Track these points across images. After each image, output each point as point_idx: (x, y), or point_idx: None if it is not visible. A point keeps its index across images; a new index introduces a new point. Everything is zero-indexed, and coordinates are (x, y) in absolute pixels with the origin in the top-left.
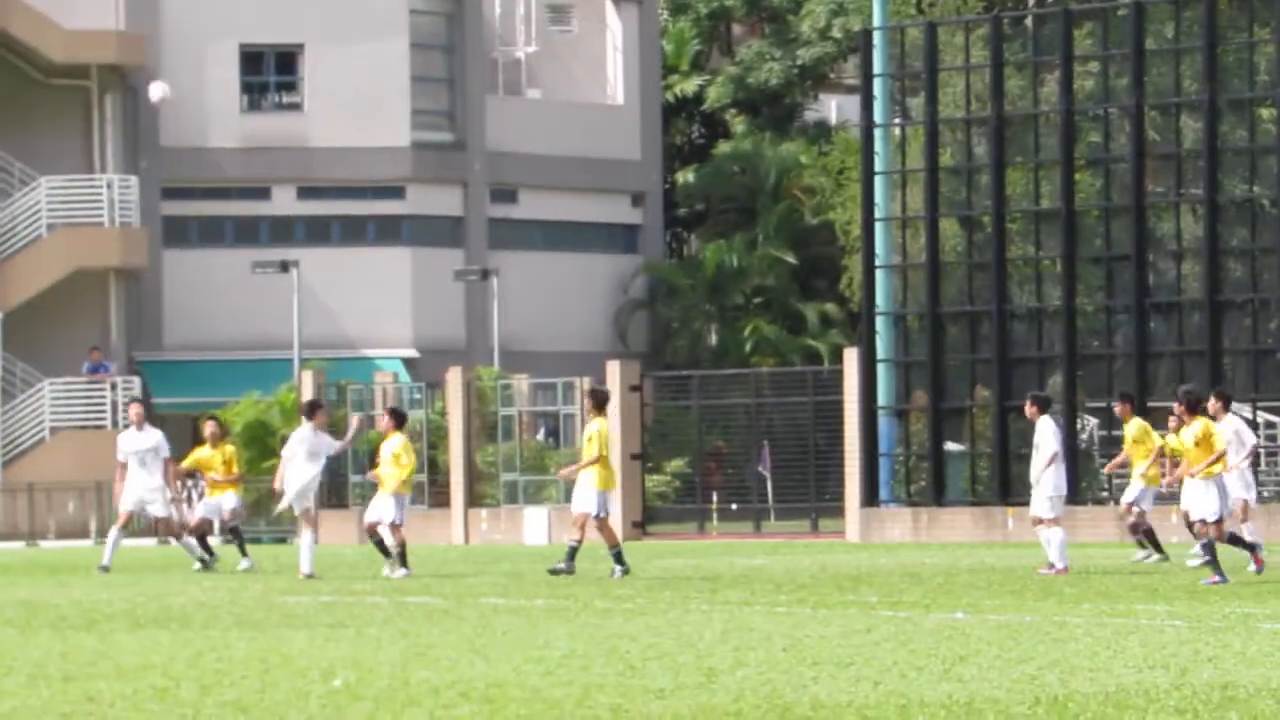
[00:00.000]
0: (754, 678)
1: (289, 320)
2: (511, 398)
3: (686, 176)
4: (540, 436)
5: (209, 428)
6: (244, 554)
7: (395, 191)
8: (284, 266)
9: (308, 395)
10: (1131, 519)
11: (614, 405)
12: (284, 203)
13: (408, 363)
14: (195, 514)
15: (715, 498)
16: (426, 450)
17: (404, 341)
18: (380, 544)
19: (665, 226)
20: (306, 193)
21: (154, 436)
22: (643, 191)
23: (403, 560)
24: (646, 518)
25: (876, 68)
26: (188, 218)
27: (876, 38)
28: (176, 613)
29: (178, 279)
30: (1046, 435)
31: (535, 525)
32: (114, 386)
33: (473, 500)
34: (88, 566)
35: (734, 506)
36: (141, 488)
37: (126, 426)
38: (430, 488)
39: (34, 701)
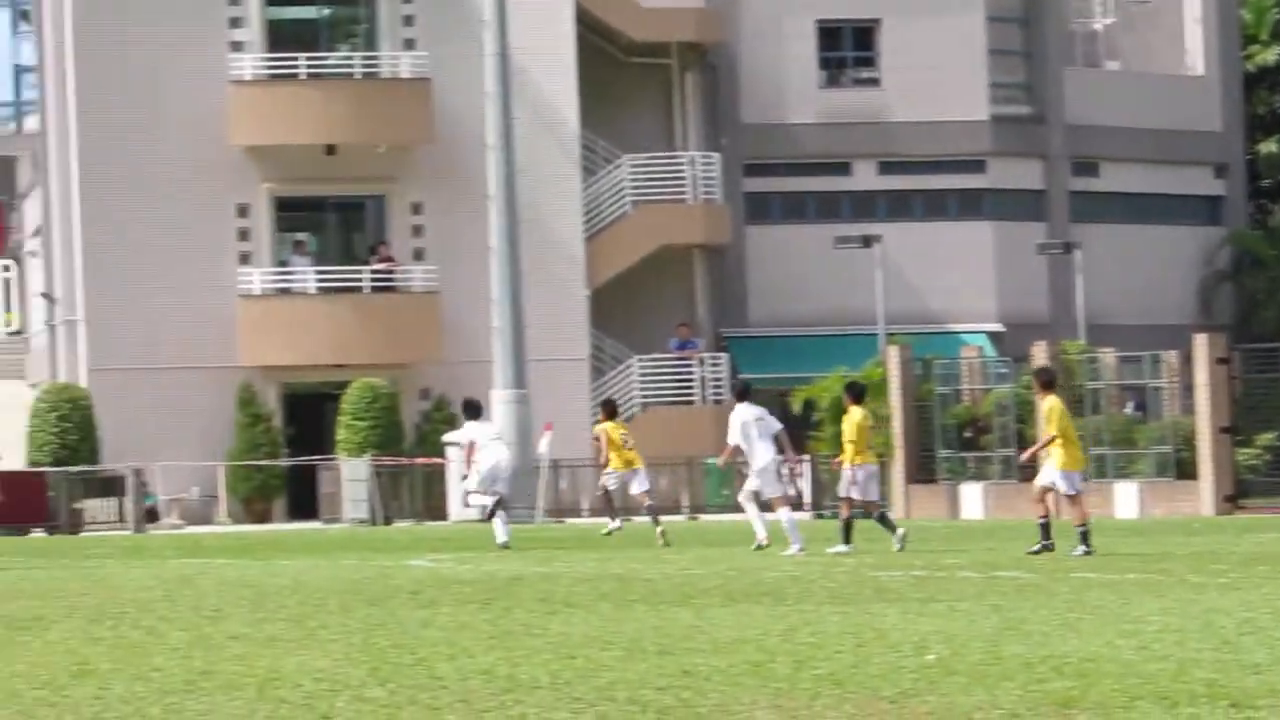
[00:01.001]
0: None
1: (872, 295)
2: (1098, 371)
3: (1269, 147)
4: (1129, 410)
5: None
6: (892, 530)
7: (976, 165)
8: (866, 241)
9: (894, 371)
10: None
11: (1201, 378)
12: (865, 178)
13: (993, 337)
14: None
15: None
16: (1014, 425)
17: (988, 316)
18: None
19: (1248, 198)
20: (887, 167)
21: (755, 410)
22: (1225, 163)
23: (1084, 539)
24: (1238, 492)
25: None
26: (769, 194)
27: None
28: (770, 587)
29: (761, 255)
30: None
31: (1126, 498)
32: (701, 362)
33: None
34: (680, 542)
35: None
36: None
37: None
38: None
39: (630, 675)
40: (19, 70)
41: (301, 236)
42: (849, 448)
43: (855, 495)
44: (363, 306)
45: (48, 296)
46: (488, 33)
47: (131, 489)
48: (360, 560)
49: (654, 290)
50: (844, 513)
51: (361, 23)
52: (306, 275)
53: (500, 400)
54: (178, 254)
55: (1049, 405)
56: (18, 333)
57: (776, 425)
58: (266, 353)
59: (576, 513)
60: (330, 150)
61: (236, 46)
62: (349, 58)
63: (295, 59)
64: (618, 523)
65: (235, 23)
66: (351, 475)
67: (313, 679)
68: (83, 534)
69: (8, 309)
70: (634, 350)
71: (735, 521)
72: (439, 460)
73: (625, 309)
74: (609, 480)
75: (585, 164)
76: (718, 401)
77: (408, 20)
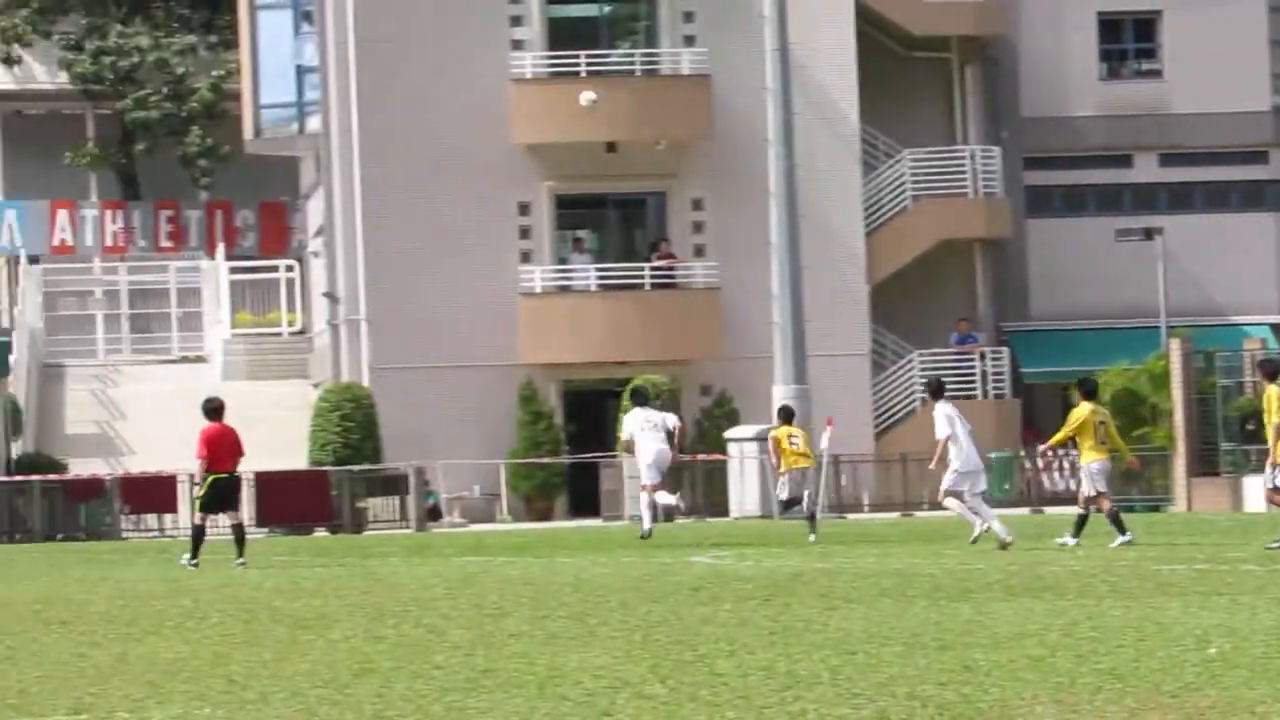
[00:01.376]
0: None
1: (1153, 288)
2: None
3: None
4: None
5: None
6: (1121, 530)
7: (1258, 156)
8: (1147, 234)
9: (1176, 364)
10: None
11: None
12: (1146, 170)
13: (1275, 329)
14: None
15: None
16: None
17: (1271, 308)
18: None
19: None
20: (1168, 159)
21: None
22: None
23: None
24: None
25: None
26: (1050, 187)
27: None
28: (1051, 581)
29: (1042, 248)
30: None
31: None
32: (982, 357)
33: None
34: (961, 536)
35: None
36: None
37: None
38: None
39: (910, 670)
40: (301, 71)
41: (581, 234)
42: (1082, 444)
43: (1103, 488)
44: (643, 303)
45: (330, 296)
46: (768, 28)
47: (413, 488)
48: (641, 557)
49: (934, 285)
50: (1105, 506)
51: (642, 20)
52: (587, 272)
53: (781, 396)
54: (459, 252)
55: (1270, 392)
56: (300, 333)
57: (970, 424)
58: (547, 350)
59: (858, 508)
60: (611, 147)
61: (517, 45)
62: (629, 55)
63: (576, 57)
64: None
65: (516, 21)
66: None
67: (593, 676)
68: (365, 533)
69: (290, 309)
70: (914, 345)
71: (1009, 516)
72: (720, 456)
73: (905, 303)
74: (781, 490)
75: (865, 159)
76: (998, 396)
77: (688, 16)
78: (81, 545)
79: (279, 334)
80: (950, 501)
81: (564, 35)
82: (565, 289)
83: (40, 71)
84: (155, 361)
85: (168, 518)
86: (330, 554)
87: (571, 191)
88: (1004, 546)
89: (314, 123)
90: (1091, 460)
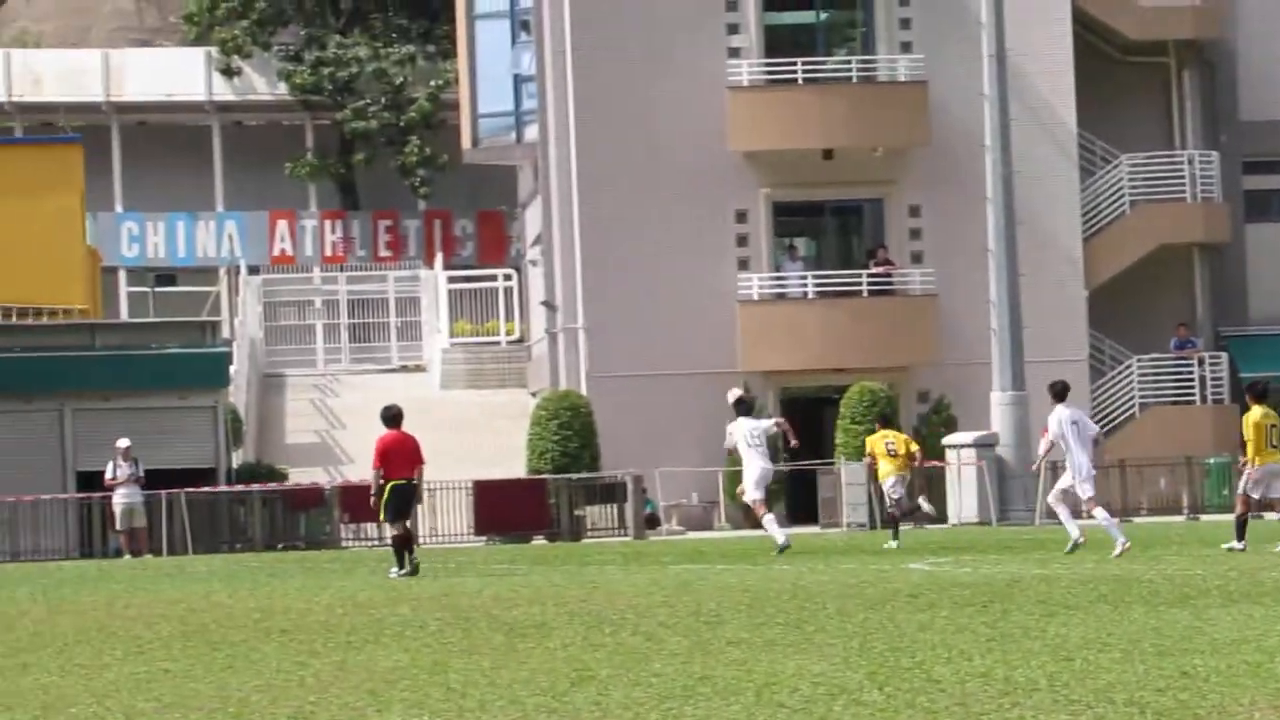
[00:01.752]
0: None
1: None
2: None
3: None
4: None
5: None
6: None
7: None
8: None
9: None
10: None
11: None
12: None
13: None
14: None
15: None
16: None
17: None
18: None
19: None
20: None
21: (1073, 412)
22: None
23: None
24: None
25: None
26: (1269, 191)
27: None
28: (1269, 587)
29: (1261, 253)
30: None
31: None
32: (1201, 362)
33: None
34: (1180, 541)
35: None
36: None
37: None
38: None
39: (1129, 676)
40: (519, 80)
41: (794, 241)
42: (1249, 446)
43: (1255, 494)
44: (861, 310)
45: (548, 305)
46: (985, 34)
47: (631, 495)
48: (858, 564)
49: (1153, 290)
50: (1239, 509)
51: (858, 26)
52: (805, 280)
53: (999, 402)
54: (676, 260)
55: (1250, 416)
56: (519, 341)
57: (1094, 429)
58: (765, 357)
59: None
60: (827, 154)
61: (734, 53)
62: (846, 62)
63: (793, 64)
64: (894, 544)
65: (733, 29)
66: (851, 479)
67: (810, 683)
68: (583, 541)
69: (509, 318)
70: (1133, 350)
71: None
72: (938, 463)
73: (1124, 309)
74: (892, 489)
75: (1082, 164)
76: (1217, 401)
77: (905, 23)
78: (301, 554)
79: (497, 343)
80: (1059, 507)
81: (781, 42)
82: (782, 296)
83: (260, 83)
84: (374, 371)
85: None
86: (548, 562)
87: (789, 199)
88: (1075, 547)
89: (531, 131)
90: (1263, 463)
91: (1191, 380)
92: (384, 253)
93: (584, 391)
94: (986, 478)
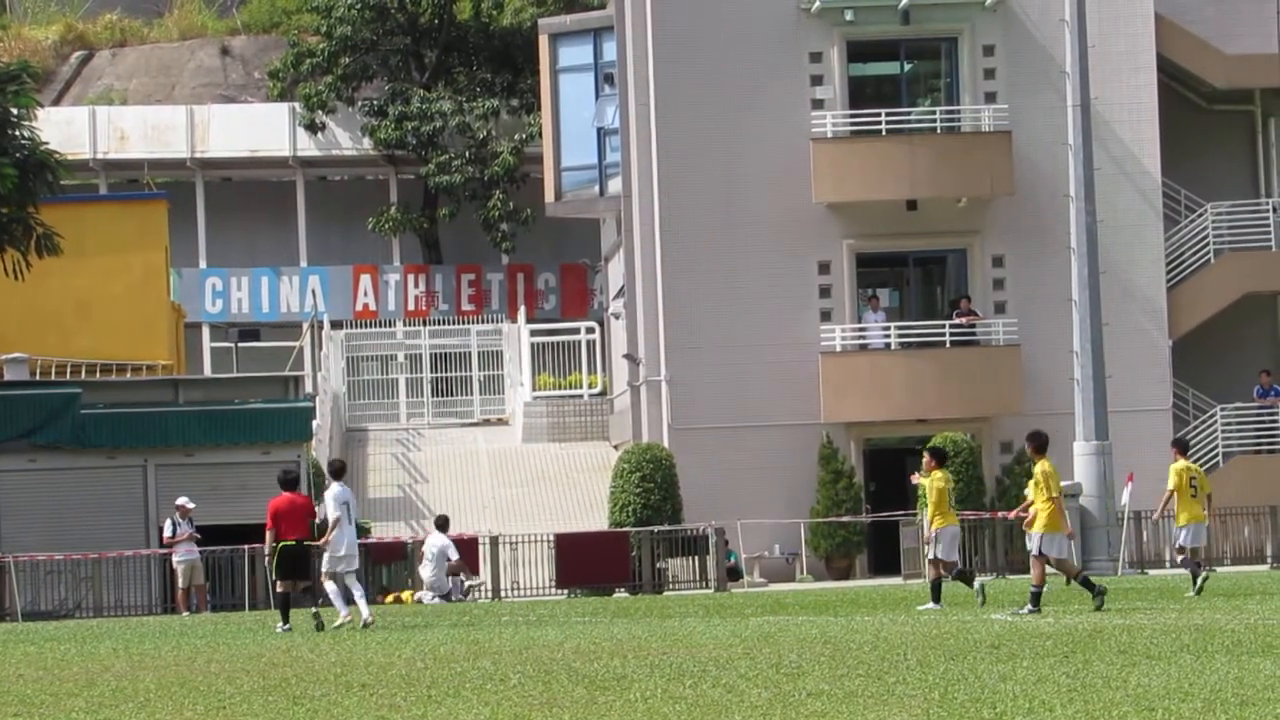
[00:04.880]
0: None
1: None
2: None
3: None
4: None
5: None
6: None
7: None
8: None
9: None
10: None
11: None
12: None
13: None
14: None
15: None
16: None
17: None
18: None
19: None
20: None
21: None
22: None
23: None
24: None
25: None
26: None
27: None
28: None
29: None
30: None
31: None
32: None
33: None
34: (1263, 591)
35: None
36: None
37: None
38: None
39: None
40: (602, 133)
41: (876, 292)
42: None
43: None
44: (943, 360)
45: (631, 357)
46: (1069, 84)
47: (713, 548)
48: (940, 615)
49: (1237, 338)
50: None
51: (942, 77)
52: (887, 331)
53: (1081, 452)
54: (759, 312)
55: (1040, 468)
56: (601, 394)
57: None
58: (847, 408)
59: (1159, 563)
60: (911, 205)
61: (818, 104)
62: (930, 112)
63: (877, 115)
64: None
65: (816, 80)
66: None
67: None
68: (665, 593)
69: (591, 371)
70: (1216, 399)
71: None
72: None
73: (1207, 358)
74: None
75: (1167, 213)
76: None
77: (989, 73)
78: (382, 608)
79: (579, 396)
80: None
81: (865, 93)
82: (864, 347)
83: (344, 138)
84: (456, 425)
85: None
86: (629, 615)
87: (872, 250)
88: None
89: (615, 184)
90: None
91: (1276, 429)
92: (467, 306)
93: (666, 444)
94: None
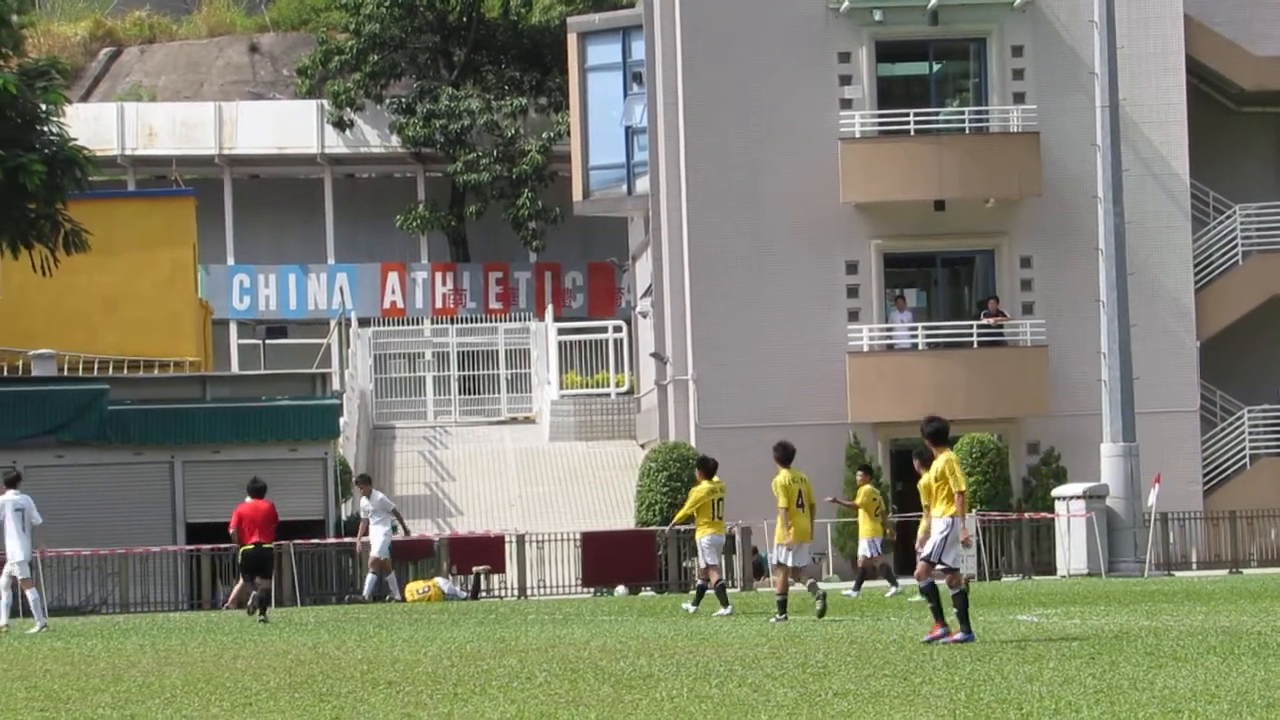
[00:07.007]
0: None
1: None
2: None
3: None
4: None
5: None
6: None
7: None
8: None
9: None
10: None
11: None
12: None
13: None
14: None
15: None
16: None
17: None
18: None
19: None
20: None
21: None
22: None
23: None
24: None
25: None
26: None
27: None
28: None
29: None
30: None
31: None
32: None
33: None
34: None
35: None
36: None
37: None
38: None
39: None
40: (631, 132)
41: (902, 292)
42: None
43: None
44: (971, 361)
45: (658, 356)
46: (1098, 85)
47: (740, 547)
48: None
49: (1265, 340)
50: (713, 578)
51: (971, 77)
52: (914, 331)
53: (1109, 453)
54: (786, 311)
55: (779, 478)
56: (628, 393)
57: None
58: (874, 408)
59: (1186, 565)
60: (939, 205)
61: (846, 104)
62: (959, 113)
63: (905, 115)
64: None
65: (845, 80)
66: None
67: None
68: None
69: (618, 370)
70: (1244, 401)
71: None
72: (1047, 515)
73: (1235, 359)
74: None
75: (1195, 214)
76: None
77: (1018, 74)
78: (408, 605)
79: (607, 394)
80: None
81: (893, 94)
82: (891, 347)
83: (372, 135)
84: (484, 423)
85: (495, 578)
86: (655, 614)
87: (900, 250)
88: None
89: (643, 183)
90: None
91: None
92: (494, 305)
93: (693, 443)
94: (1096, 529)
